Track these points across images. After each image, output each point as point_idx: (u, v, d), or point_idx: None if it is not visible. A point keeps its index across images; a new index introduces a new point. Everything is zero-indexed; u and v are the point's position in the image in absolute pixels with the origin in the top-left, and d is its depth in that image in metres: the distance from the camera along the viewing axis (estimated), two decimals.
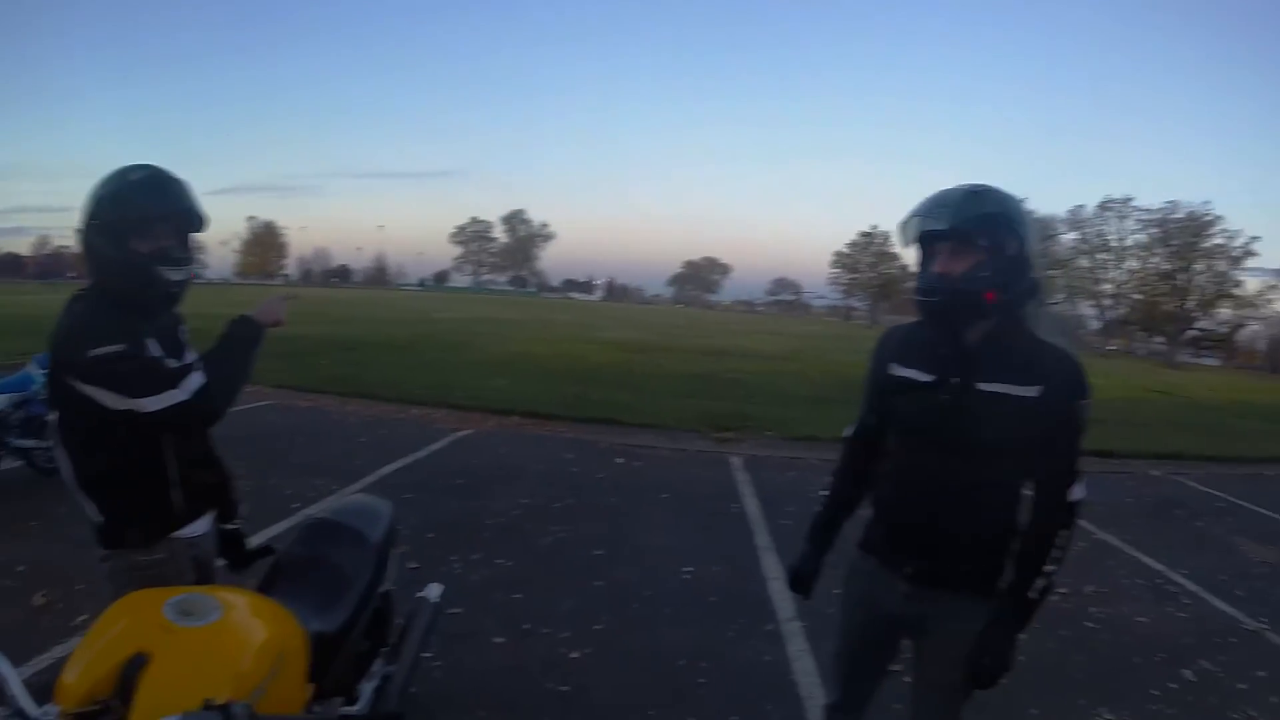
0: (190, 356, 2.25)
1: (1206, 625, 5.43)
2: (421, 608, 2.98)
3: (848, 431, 2.46)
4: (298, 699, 1.82)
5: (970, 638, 2.09)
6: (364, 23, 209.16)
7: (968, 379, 2.05)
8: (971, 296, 2.00)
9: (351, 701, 2.38)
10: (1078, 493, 2.09)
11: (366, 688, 2.50)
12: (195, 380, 2.11)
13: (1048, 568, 2.06)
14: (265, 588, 2.22)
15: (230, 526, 2.48)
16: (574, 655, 3.98)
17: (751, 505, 7.22)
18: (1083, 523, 7.39)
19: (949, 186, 2.09)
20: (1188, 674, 4.57)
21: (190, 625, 1.61)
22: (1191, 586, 6.19)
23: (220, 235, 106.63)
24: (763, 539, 6.20)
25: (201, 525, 2.31)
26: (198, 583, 2.21)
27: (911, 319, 2.25)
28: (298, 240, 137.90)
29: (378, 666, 2.64)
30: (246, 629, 1.73)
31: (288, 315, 2.43)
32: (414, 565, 4.78)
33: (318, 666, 1.94)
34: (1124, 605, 5.61)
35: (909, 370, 2.16)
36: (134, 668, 1.49)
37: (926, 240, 2.08)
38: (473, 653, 3.88)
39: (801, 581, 2.47)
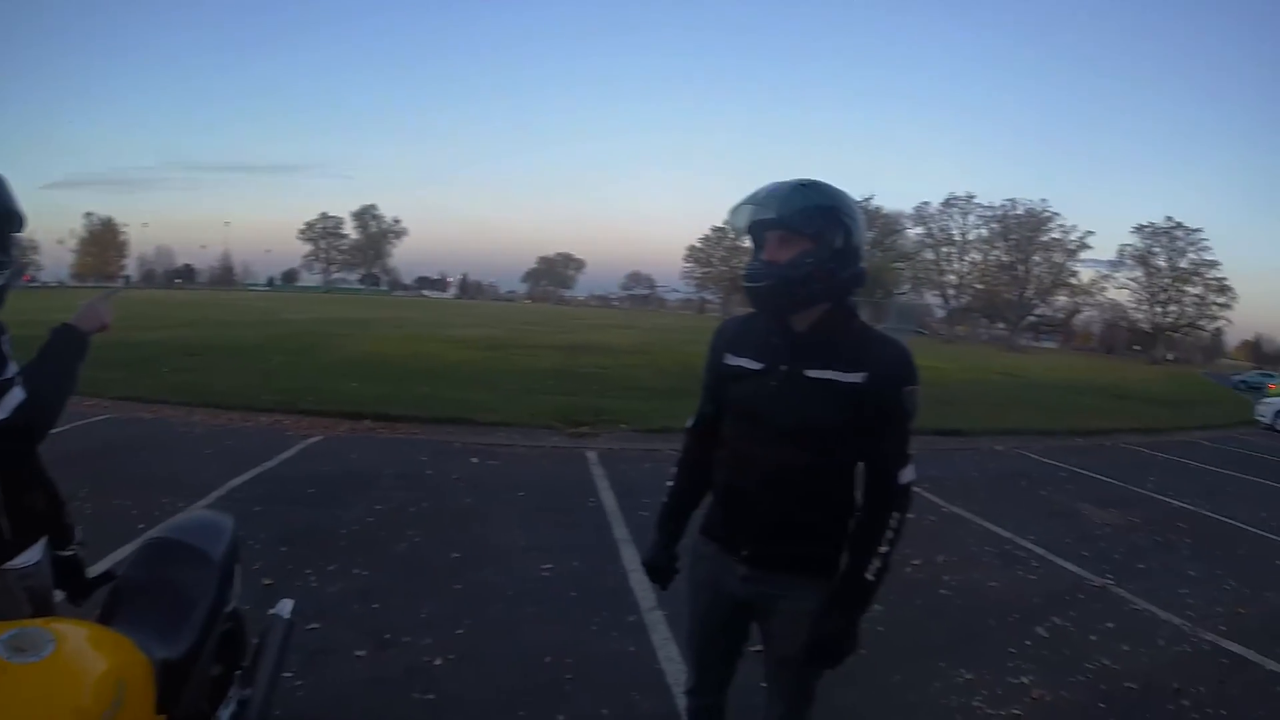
0: (10, 370, 2.11)
1: (1055, 585, 5.87)
2: (274, 625, 2.89)
3: (689, 422, 2.53)
4: None
5: (809, 616, 2.17)
6: (205, 5, 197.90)
7: (795, 366, 2.14)
8: (793, 283, 2.08)
9: None
10: (907, 475, 2.15)
11: (224, 714, 2.41)
12: (14, 396, 1.96)
13: (881, 549, 2.13)
14: (105, 616, 2.11)
15: (66, 553, 2.32)
16: (438, 662, 3.93)
17: (608, 499, 7.31)
18: (932, 497, 7.92)
19: (780, 180, 2.17)
20: (1041, 631, 4.92)
21: (22, 661, 1.51)
22: (1039, 550, 6.66)
23: (55, 233, 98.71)
24: (621, 531, 6.28)
25: (34, 553, 2.17)
26: (34, 615, 2.09)
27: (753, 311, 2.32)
28: (139, 238, 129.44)
29: (234, 691, 2.54)
30: (83, 661, 1.64)
31: (113, 316, 2.30)
32: (267, 581, 4.62)
33: (166, 696, 1.85)
34: (976, 572, 5.98)
35: (741, 359, 2.24)
36: None
37: (758, 230, 2.16)
38: (334, 668, 3.78)
39: (658, 572, 2.52)
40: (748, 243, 2.25)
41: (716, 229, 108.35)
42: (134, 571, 2.26)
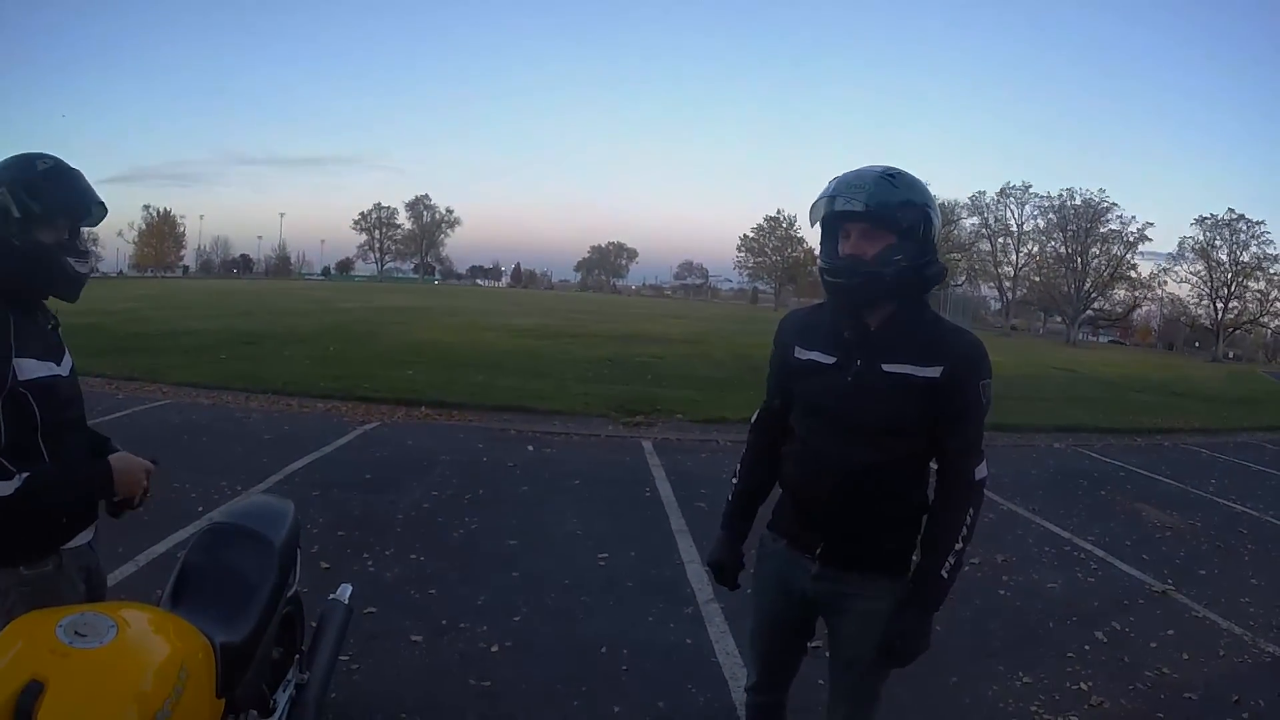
0: (67, 362, 2.11)
1: (1115, 588, 5.69)
2: (333, 610, 2.89)
3: (753, 417, 2.47)
4: (208, 715, 1.74)
5: (882, 615, 2.11)
6: (258, 3, 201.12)
7: (871, 360, 2.08)
8: (886, 281, 2.02)
9: (267, 713, 2.29)
10: (982, 470, 2.13)
11: (281, 698, 2.41)
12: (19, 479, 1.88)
13: (956, 546, 2.09)
14: (168, 600, 2.11)
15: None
16: (494, 649, 3.92)
17: (664, 489, 7.26)
18: (991, 494, 7.74)
19: (860, 167, 2.09)
20: (1100, 635, 4.77)
21: (86, 647, 1.51)
22: (1098, 552, 6.48)
23: (115, 225, 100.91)
24: (677, 522, 6.24)
25: (87, 534, 2.18)
26: (89, 595, 2.09)
27: (813, 302, 2.29)
28: (196, 230, 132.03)
29: (292, 675, 2.55)
30: (145, 646, 1.64)
31: (145, 493, 2.15)
32: (325, 565, 4.65)
33: (227, 679, 1.85)
34: (1035, 572, 5.83)
35: (813, 353, 2.18)
36: (29, 697, 1.39)
37: (836, 221, 2.08)
38: (391, 653, 3.79)
39: (724, 572, 2.44)
40: (815, 232, 2.18)
41: (770, 218, 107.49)
42: (196, 556, 2.26)
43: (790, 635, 2.38)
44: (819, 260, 2.15)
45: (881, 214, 2.00)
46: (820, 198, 2.09)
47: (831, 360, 2.14)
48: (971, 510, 2.11)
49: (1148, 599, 5.54)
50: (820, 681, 2.33)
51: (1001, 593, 5.37)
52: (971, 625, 4.76)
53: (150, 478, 2.13)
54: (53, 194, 1.99)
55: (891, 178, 2.04)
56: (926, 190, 2.08)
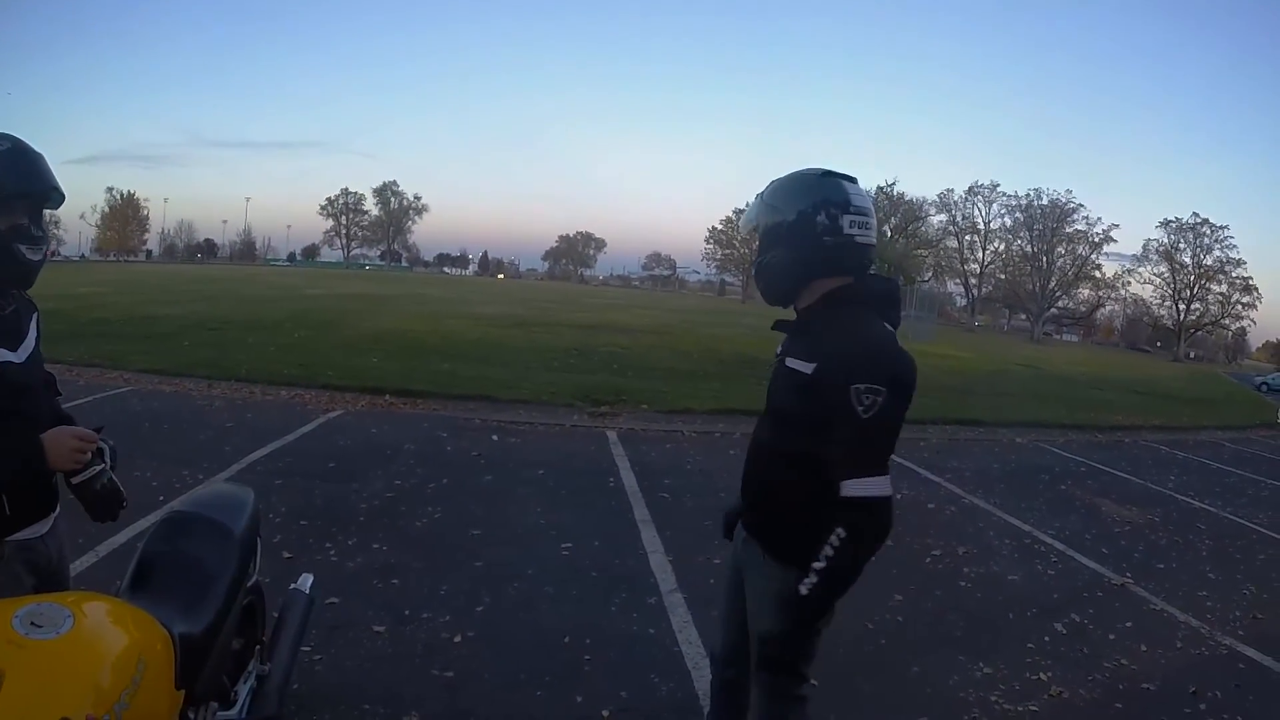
0: (29, 343, 2.07)
1: (1075, 581, 5.80)
2: (294, 600, 2.88)
3: None
4: (166, 707, 1.72)
5: (770, 596, 2.19)
6: None
7: (783, 353, 2.27)
8: (758, 276, 2.29)
9: (228, 705, 2.28)
10: (856, 488, 1.96)
11: (243, 689, 2.40)
12: None
13: (816, 564, 1.98)
14: (126, 590, 2.09)
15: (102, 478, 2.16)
16: (456, 640, 3.92)
17: (629, 479, 7.28)
18: (953, 488, 7.87)
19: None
20: (1060, 627, 4.87)
21: (41, 638, 1.49)
22: (1059, 545, 6.60)
23: (77, 208, 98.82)
24: (641, 513, 6.25)
25: (39, 527, 2.13)
26: (40, 588, 2.06)
27: None
28: (160, 213, 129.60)
29: (253, 665, 2.53)
30: (102, 637, 1.62)
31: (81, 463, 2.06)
32: (287, 555, 4.62)
33: (186, 671, 1.83)
34: (996, 565, 5.93)
35: (780, 345, 2.37)
36: None
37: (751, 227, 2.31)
38: (353, 644, 3.77)
39: (728, 520, 2.59)
40: None
41: (739, 211, 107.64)
42: (155, 545, 2.23)
43: (738, 601, 2.42)
44: None
45: (760, 219, 2.25)
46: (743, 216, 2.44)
47: (779, 351, 2.34)
48: (841, 530, 1.95)
49: (1107, 591, 5.66)
50: (813, 683, 2.35)
51: (963, 584, 5.45)
52: (933, 616, 4.84)
53: (95, 448, 2.06)
54: (8, 177, 1.93)
55: (782, 181, 2.24)
56: (817, 189, 2.16)
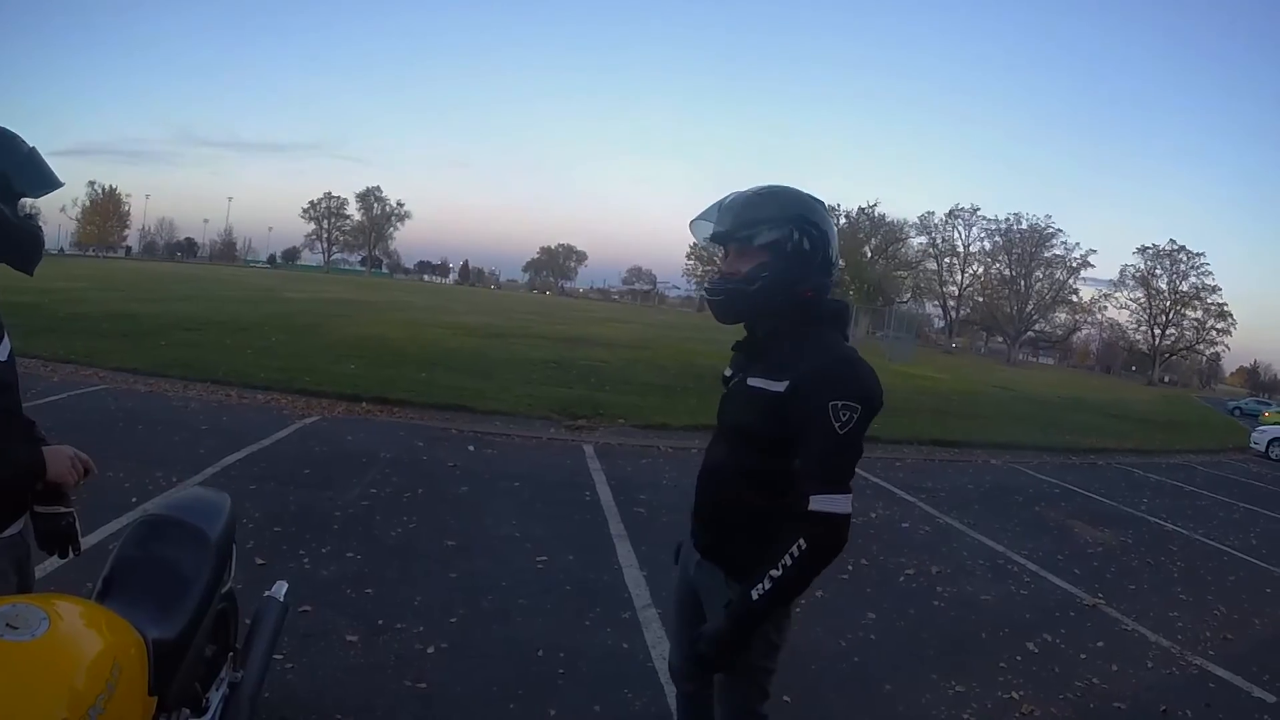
0: (4, 346, 2.06)
1: (1047, 601, 5.87)
2: (268, 607, 2.85)
3: None
4: (139, 714, 1.70)
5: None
6: None
7: (745, 373, 2.19)
8: (746, 296, 2.11)
9: (200, 712, 2.25)
10: (823, 503, 1.95)
11: (215, 696, 2.37)
12: None
13: (773, 572, 1.97)
14: (100, 594, 2.07)
15: (63, 511, 2.19)
16: (430, 650, 3.90)
17: (605, 493, 7.28)
18: (928, 508, 7.92)
19: (748, 188, 2.19)
20: (1031, 647, 4.92)
21: (16, 640, 1.47)
22: (1031, 566, 6.67)
23: (58, 201, 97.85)
24: (616, 527, 6.26)
25: (19, 524, 2.12)
26: (19, 587, 2.05)
27: None
28: (142, 209, 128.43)
29: (225, 672, 2.51)
30: (78, 641, 1.60)
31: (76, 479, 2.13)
32: (261, 561, 4.59)
33: (160, 677, 1.81)
34: (969, 584, 5.98)
35: (728, 368, 2.34)
36: None
37: (720, 240, 2.19)
38: (326, 652, 3.75)
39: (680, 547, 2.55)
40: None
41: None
42: (129, 548, 2.20)
43: (692, 618, 2.40)
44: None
45: (743, 233, 2.10)
46: (695, 219, 2.25)
47: (729, 373, 2.32)
48: (802, 542, 1.94)
49: (1078, 612, 5.72)
50: (786, 700, 2.35)
51: (936, 603, 5.49)
52: (906, 634, 4.87)
53: (83, 469, 2.11)
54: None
55: (760, 196, 2.13)
56: (804, 205, 2.12)
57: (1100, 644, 5.11)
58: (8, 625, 1.49)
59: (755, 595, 2.00)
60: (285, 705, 3.24)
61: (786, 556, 1.95)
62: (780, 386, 2.05)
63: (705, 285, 2.24)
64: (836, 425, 1.95)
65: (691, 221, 2.24)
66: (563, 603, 4.70)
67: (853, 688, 4.02)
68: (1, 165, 1.94)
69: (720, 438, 2.30)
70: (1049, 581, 6.34)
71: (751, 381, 2.14)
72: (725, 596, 2.17)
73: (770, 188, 2.15)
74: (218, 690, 2.41)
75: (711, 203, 2.20)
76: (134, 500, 5.30)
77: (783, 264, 2.08)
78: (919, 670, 4.39)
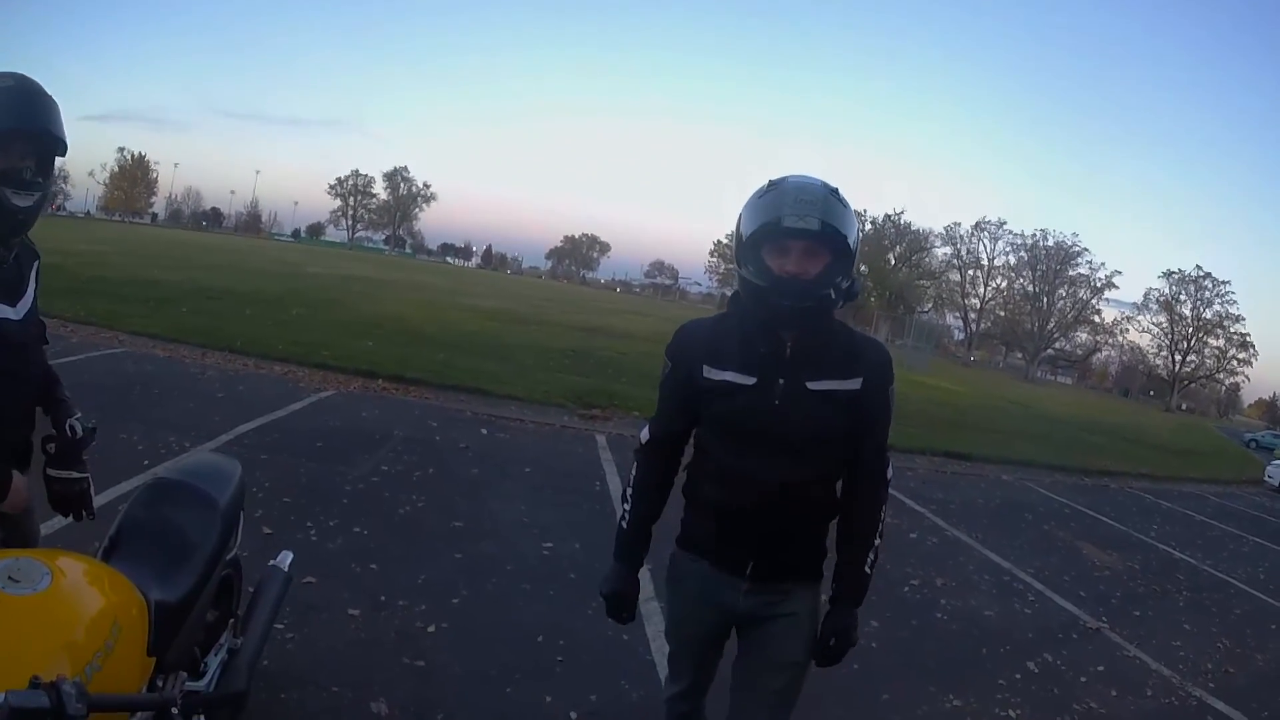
0: (29, 297, 2.06)
1: (1050, 621, 5.83)
2: (272, 576, 2.85)
3: (643, 438, 2.34)
4: (136, 674, 1.71)
5: (803, 618, 2.19)
6: None
7: (794, 379, 2.03)
8: (830, 301, 1.99)
9: (197, 676, 2.26)
10: (890, 470, 2.24)
11: (213, 661, 2.38)
12: None
13: (875, 542, 2.20)
14: (106, 552, 2.08)
15: (78, 475, 2.27)
16: (430, 629, 3.91)
17: (615, 484, 7.28)
18: (936, 520, 7.86)
19: (801, 178, 2.02)
20: (1032, 666, 4.88)
21: (18, 593, 1.48)
22: (1037, 585, 6.61)
23: (87, 165, 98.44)
24: None
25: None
26: (8, 541, 2.06)
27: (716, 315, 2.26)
28: (169, 178, 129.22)
29: (225, 638, 2.52)
30: (79, 597, 1.61)
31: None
32: (267, 531, 4.61)
33: (159, 638, 1.82)
34: (973, 599, 5.93)
35: (726, 374, 2.08)
36: None
37: (781, 236, 1.95)
38: (326, 625, 3.77)
39: (624, 602, 2.37)
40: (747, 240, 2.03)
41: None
42: (138, 510, 2.21)
43: (717, 647, 2.38)
44: (750, 275, 2.00)
45: (830, 234, 1.94)
46: (762, 207, 1.98)
47: (751, 381, 2.05)
48: (884, 507, 2.23)
49: (1081, 634, 5.67)
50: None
51: (939, 615, 5.46)
52: (907, 645, 4.84)
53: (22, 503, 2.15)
54: (4, 114, 1.87)
55: (836, 194, 1.98)
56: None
57: (1101, 668, 5.07)
58: (9, 578, 1.50)
59: (869, 568, 2.19)
60: (283, 675, 3.25)
61: (880, 524, 2.21)
62: (855, 384, 2.07)
63: (766, 287, 1.96)
64: (892, 405, 2.19)
65: (751, 208, 2.00)
66: (566, 590, 4.70)
67: (850, 696, 3.99)
68: None
69: (775, 450, 2.04)
70: (1054, 602, 6.29)
71: (815, 385, 2.03)
72: (792, 607, 2.18)
73: (835, 186, 2.00)
74: (216, 655, 2.42)
75: (778, 192, 1.97)
76: (145, 463, 5.34)
77: (848, 266, 2.00)
78: (917, 682, 4.37)
